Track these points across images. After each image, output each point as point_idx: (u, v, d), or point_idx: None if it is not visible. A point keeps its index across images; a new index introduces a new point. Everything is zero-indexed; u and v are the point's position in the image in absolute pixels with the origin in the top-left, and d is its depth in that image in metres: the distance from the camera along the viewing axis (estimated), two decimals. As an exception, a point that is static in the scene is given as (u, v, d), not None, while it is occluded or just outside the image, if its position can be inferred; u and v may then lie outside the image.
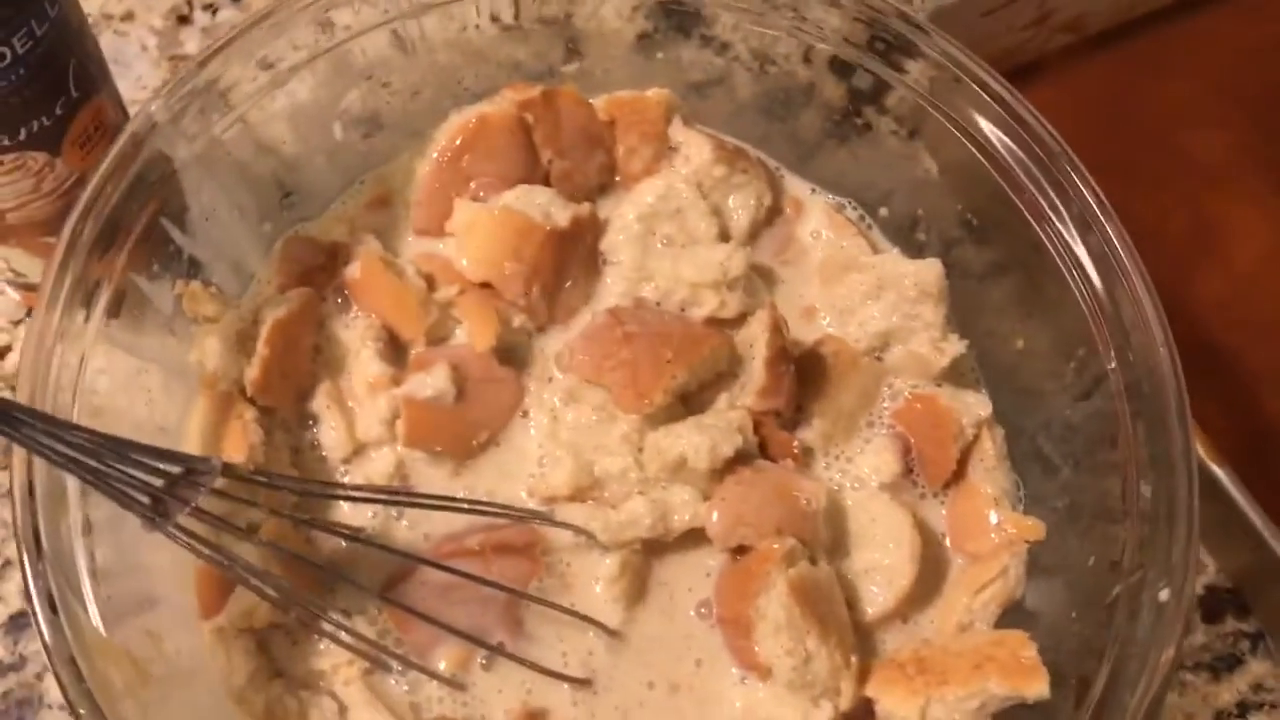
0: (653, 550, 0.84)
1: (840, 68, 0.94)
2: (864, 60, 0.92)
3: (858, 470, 0.87)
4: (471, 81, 0.96)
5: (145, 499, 0.66)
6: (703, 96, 1.03)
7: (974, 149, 0.88)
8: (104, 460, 0.65)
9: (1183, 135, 1.30)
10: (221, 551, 0.70)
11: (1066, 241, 0.83)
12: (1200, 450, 0.99)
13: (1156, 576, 0.72)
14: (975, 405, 0.88)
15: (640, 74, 1.00)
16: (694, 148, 0.94)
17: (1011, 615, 0.84)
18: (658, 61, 1.01)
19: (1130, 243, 0.82)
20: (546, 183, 0.93)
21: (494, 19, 0.97)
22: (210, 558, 0.69)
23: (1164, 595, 0.71)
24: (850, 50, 0.92)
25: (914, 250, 0.95)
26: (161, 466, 0.67)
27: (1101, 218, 0.82)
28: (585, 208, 0.91)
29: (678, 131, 0.96)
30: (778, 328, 0.86)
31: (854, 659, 0.79)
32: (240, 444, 0.80)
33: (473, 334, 0.87)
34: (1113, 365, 0.80)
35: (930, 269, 0.88)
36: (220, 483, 0.70)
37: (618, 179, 0.96)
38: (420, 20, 0.93)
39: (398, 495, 0.81)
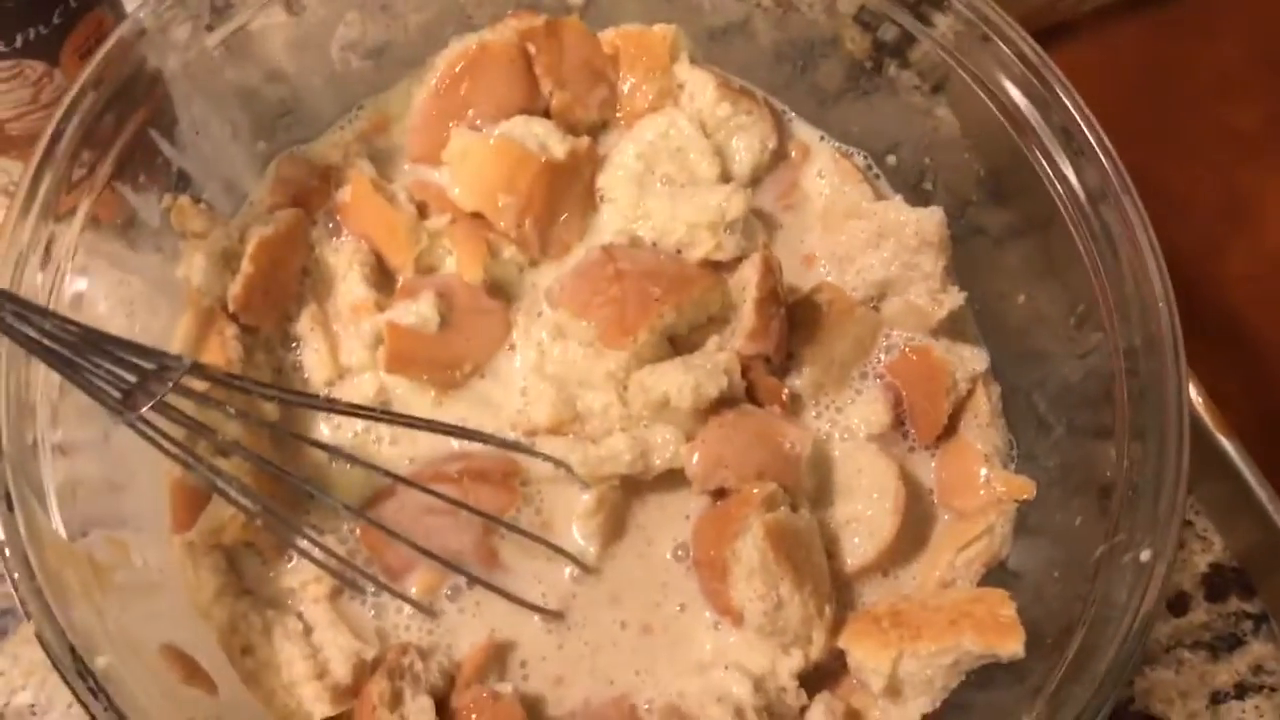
0: (632, 491, 0.83)
1: (866, 19, 0.92)
2: (892, 12, 0.89)
3: (847, 420, 0.85)
4: (476, 11, 0.95)
5: (115, 392, 0.66)
6: (720, 42, 1.00)
7: (995, 108, 0.85)
8: (75, 350, 0.65)
9: (1219, 105, 1.26)
10: (190, 454, 0.69)
11: (1080, 205, 0.80)
12: (1210, 423, 0.96)
13: (1141, 537, 0.70)
14: (971, 359, 0.85)
15: (657, 17, 0.98)
16: (699, 86, 0.92)
17: (995, 574, 0.82)
18: (676, 4, 0.99)
19: (1143, 212, 0.79)
20: (546, 114, 0.91)
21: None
22: (176, 456, 0.69)
23: (1145, 556, 0.69)
24: (879, 1, 0.89)
25: (920, 200, 0.93)
26: (132, 360, 0.67)
27: (1116, 185, 0.79)
28: (583, 141, 0.90)
29: (683, 69, 0.93)
30: (770, 269, 0.84)
31: (828, 609, 0.78)
32: (219, 359, 0.80)
33: (462, 264, 0.86)
34: (1112, 326, 0.78)
35: (931, 217, 0.85)
36: (200, 388, 0.70)
37: (619, 115, 0.94)
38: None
39: (375, 412, 0.80)
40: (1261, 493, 0.93)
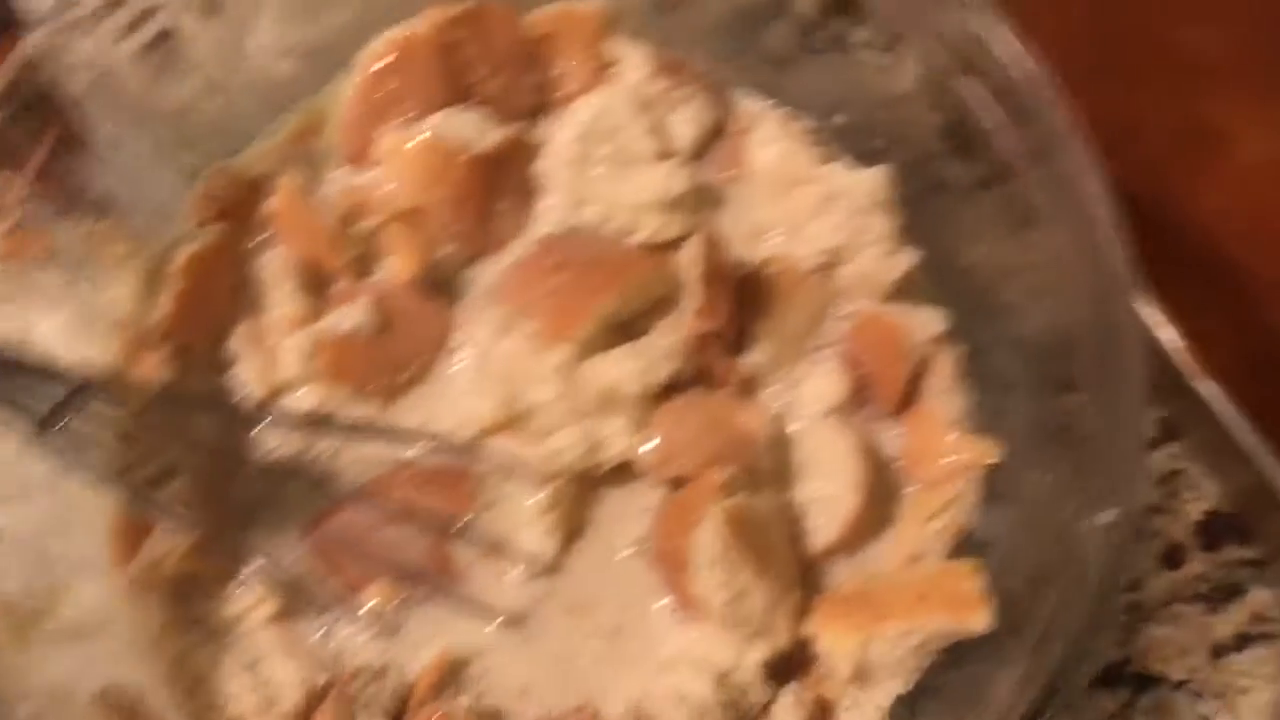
0: (588, 485, 0.80)
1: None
2: None
3: (805, 395, 0.82)
4: (400, 5, 0.91)
5: (35, 412, 0.65)
6: (668, 13, 0.97)
7: (941, 59, 0.82)
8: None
9: (1180, 30, 1.22)
10: (125, 479, 0.68)
11: (1030, 154, 0.77)
12: (1191, 367, 0.93)
13: (1106, 496, 0.67)
14: (928, 322, 0.82)
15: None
16: (633, 62, 0.89)
17: (965, 544, 0.79)
18: None
19: (1092, 156, 0.75)
20: (477, 105, 0.88)
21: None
22: (104, 478, 0.67)
23: (1109, 516, 0.66)
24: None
25: (872, 160, 0.89)
26: (53, 379, 0.66)
27: (1063, 131, 0.75)
28: (515, 129, 0.87)
29: (616, 46, 0.90)
30: (713, 244, 0.81)
31: (794, 595, 0.75)
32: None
33: (397, 265, 0.84)
34: (1072, 276, 0.74)
35: (876, 177, 0.82)
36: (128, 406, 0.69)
37: (554, 98, 0.91)
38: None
39: (315, 420, 0.77)
40: (1245, 437, 0.89)
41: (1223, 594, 0.97)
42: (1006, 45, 0.78)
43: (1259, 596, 0.97)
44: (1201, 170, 1.17)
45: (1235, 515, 0.98)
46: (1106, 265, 0.71)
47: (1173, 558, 0.99)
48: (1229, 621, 0.96)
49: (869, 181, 0.82)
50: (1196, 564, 0.98)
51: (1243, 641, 0.96)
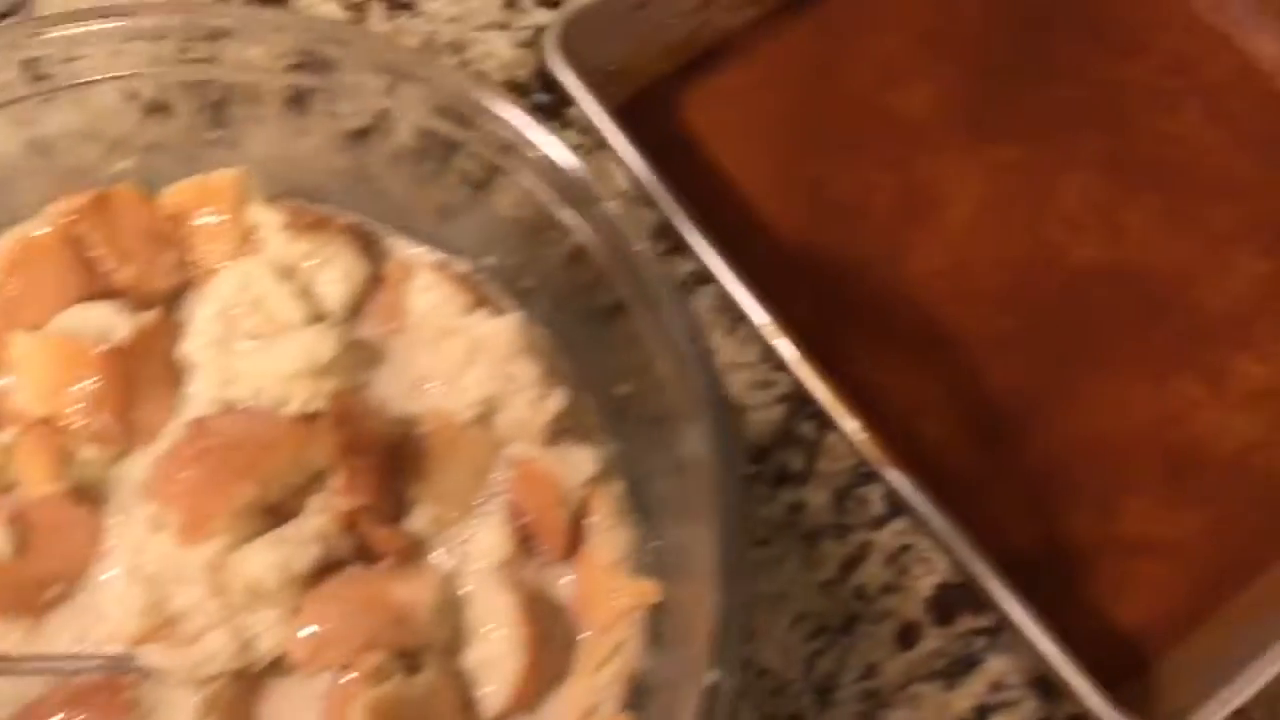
0: (255, 680, 0.77)
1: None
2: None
3: (473, 553, 0.81)
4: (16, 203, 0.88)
5: None
6: (357, 152, 0.95)
7: (546, 193, 0.83)
8: None
9: (887, 95, 1.23)
10: None
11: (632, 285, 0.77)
12: (877, 455, 0.93)
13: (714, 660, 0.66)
14: (582, 463, 0.81)
15: (296, 131, 0.92)
16: (272, 227, 0.87)
17: (637, 692, 0.77)
18: (314, 115, 0.94)
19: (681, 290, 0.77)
20: (112, 295, 0.86)
21: (132, 97, 0.89)
22: None
23: (712, 677, 0.64)
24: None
25: (525, 299, 0.88)
26: None
27: (650, 263, 0.77)
28: (150, 315, 0.84)
29: (254, 211, 0.88)
30: (348, 414, 0.79)
31: (462, 773, 0.73)
32: None
33: (29, 477, 0.80)
34: (685, 407, 0.74)
35: (512, 324, 0.81)
36: None
37: (194, 276, 0.88)
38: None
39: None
40: (939, 524, 0.89)
41: (960, 667, 0.97)
42: (597, 175, 0.78)
43: (995, 665, 0.97)
44: (917, 232, 1.19)
45: (965, 585, 0.97)
46: (704, 400, 0.71)
47: (907, 637, 0.98)
48: (968, 694, 0.96)
49: (506, 329, 0.81)
50: (932, 640, 0.98)
51: (983, 713, 0.96)
